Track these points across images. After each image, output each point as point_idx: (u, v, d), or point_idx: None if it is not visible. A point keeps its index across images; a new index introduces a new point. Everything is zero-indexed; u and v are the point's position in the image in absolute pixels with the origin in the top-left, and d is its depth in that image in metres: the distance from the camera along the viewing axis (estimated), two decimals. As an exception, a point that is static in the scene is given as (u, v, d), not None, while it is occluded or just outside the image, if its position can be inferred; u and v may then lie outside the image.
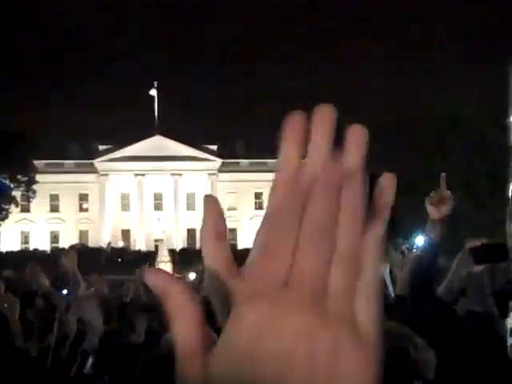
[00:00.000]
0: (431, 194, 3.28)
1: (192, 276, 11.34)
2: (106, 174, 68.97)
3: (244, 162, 72.31)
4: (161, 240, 66.58)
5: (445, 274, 3.92)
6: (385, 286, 6.87)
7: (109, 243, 61.69)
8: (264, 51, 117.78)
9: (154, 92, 69.93)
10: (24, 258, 56.83)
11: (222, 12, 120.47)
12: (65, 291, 6.22)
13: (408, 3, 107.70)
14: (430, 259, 3.34)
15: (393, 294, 6.89)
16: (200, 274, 12.34)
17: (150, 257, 58.14)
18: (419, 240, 14.01)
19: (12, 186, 60.63)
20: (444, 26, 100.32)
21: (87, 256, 57.49)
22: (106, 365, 3.39)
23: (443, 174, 3.36)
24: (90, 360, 3.46)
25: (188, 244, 67.68)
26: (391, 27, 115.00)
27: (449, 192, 3.30)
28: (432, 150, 50.41)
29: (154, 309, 5.69)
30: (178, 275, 33.77)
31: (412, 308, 3.34)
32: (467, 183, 44.99)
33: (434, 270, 3.38)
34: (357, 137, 0.50)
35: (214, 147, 71.19)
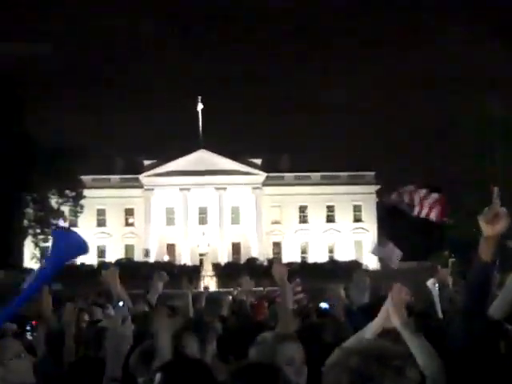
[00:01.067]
0: (485, 210, 3.12)
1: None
2: (152, 189, 69.65)
3: (288, 175, 72.24)
4: (206, 254, 66.80)
5: (499, 291, 3.78)
6: (432, 304, 6.74)
7: (147, 251, 61.80)
8: (303, 66, 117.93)
9: (199, 106, 70.48)
10: (71, 273, 57.68)
11: (264, 24, 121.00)
12: (121, 303, 6.25)
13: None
14: (481, 282, 3.19)
15: (440, 314, 6.76)
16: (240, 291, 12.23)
17: (194, 271, 58.38)
18: None
19: (60, 201, 61.74)
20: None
21: (132, 270, 58.07)
22: (177, 381, 3.34)
23: (496, 188, 3.17)
24: (158, 376, 3.40)
25: (233, 258, 67.79)
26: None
27: (504, 208, 3.13)
28: (481, 158, 49.25)
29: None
30: (222, 289, 33.80)
31: (459, 335, 3.23)
32: None
33: (488, 294, 3.24)
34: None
35: (259, 161, 71.29)
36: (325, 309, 9.45)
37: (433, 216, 8.44)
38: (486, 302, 3.25)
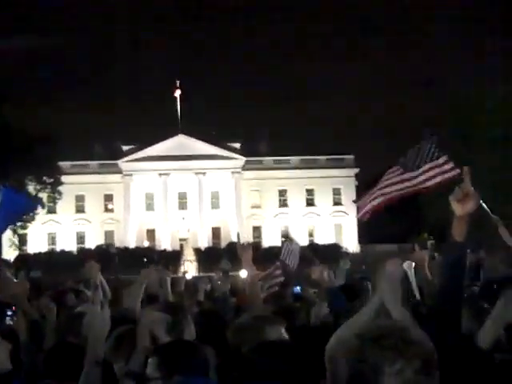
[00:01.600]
0: (456, 190, 3.12)
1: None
2: (130, 174, 69.29)
3: (267, 159, 72.18)
4: (186, 239, 66.73)
5: (476, 270, 3.80)
6: (410, 287, 6.83)
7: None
8: (288, 50, 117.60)
9: (177, 91, 70.03)
10: (51, 259, 57.44)
11: (244, 11, 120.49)
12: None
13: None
14: (455, 262, 3.21)
15: (418, 296, 6.85)
16: (224, 273, 12.33)
17: (175, 256, 58.35)
18: None
19: (38, 187, 61.20)
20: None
21: (112, 256, 57.88)
22: (174, 363, 3.28)
23: (466, 168, 3.22)
24: (151, 361, 3.34)
25: (213, 243, 67.77)
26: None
27: (473, 188, 3.14)
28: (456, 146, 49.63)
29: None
30: (203, 274, 33.83)
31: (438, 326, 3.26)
32: (495, 180, 43.85)
33: (462, 274, 3.27)
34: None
35: (238, 145, 71.14)
36: (298, 292, 9.61)
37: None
38: (460, 281, 3.28)
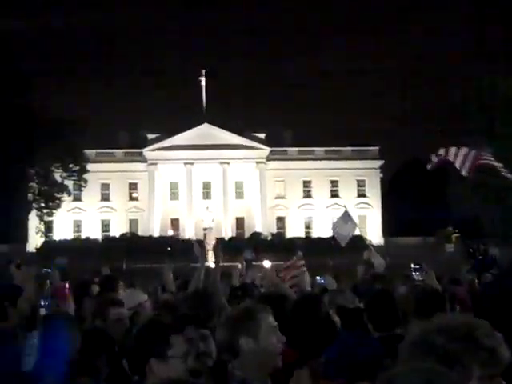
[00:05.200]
0: None
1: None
2: (155, 163, 69.54)
3: (292, 150, 72.02)
4: (209, 228, 66.82)
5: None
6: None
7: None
8: (315, 40, 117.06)
9: (203, 80, 69.97)
10: (77, 247, 58.02)
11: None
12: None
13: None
14: None
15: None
16: (248, 263, 12.41)
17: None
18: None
19: (64, 175, 61.78)
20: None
21: (137, 244, 58.30)
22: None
23: None
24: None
25: (237, 233, 67.88)
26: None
27: None
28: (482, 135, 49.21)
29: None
30: (227, 264, 33.97)
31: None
32: None
33: None
34: None
35: (262, 135, 71.02)
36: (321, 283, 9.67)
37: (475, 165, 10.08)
38: None
